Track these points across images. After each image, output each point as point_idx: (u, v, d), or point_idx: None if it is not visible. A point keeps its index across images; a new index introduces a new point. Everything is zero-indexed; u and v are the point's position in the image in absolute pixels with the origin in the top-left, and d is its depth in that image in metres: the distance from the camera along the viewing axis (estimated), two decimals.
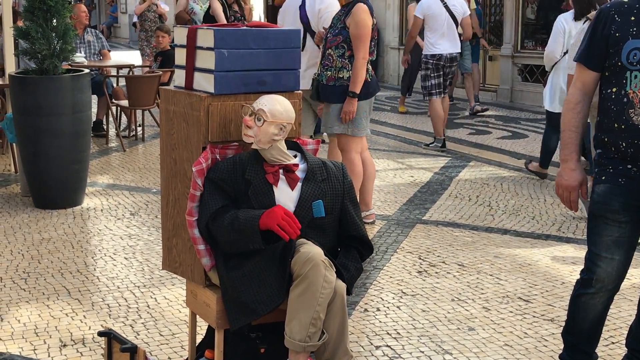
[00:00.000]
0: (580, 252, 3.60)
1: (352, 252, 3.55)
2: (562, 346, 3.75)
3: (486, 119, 11.67)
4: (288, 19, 6.91)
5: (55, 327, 4.50)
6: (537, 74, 13.27)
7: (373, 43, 6.19)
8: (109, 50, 11.25)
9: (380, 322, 4.61)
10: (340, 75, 6.08)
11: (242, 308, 3.33)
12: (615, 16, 3.29)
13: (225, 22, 9.88)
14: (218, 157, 3.45)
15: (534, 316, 4.71)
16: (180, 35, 3.67)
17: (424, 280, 5.29)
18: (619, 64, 3.25)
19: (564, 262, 5.63)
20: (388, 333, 4.45)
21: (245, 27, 3.58)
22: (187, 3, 11.62)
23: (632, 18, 3.26)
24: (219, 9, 10.00)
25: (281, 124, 3.38)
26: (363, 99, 6.12)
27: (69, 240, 6.08)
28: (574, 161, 3.44)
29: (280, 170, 3.42)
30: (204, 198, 3.39)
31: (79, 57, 9.57)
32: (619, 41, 3.26)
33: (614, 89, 3.29)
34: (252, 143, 3.38)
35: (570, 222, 6.58)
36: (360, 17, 5.96)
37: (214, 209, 3.35)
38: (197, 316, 3.75)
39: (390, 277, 5.34)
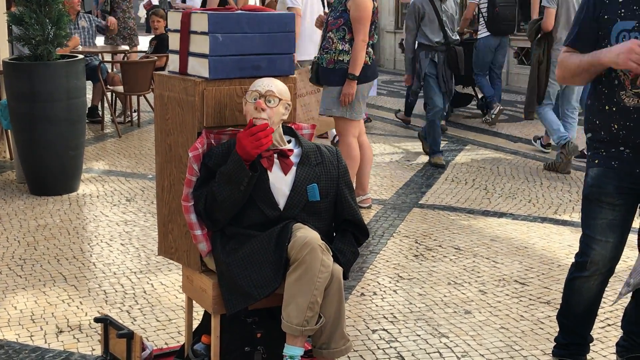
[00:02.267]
0: (577, 235, 3.60)
1: (348, 236, 3.55)
2: (557, 329, 3.77)
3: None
4: None
5: (52, 313, 4.50)
6: None
7: (374, 26, 6.19)
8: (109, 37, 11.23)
9: (376, 306, 4.62)
10: (340, 58, 6.08)
11: (238, 292, 3.33)
12: None
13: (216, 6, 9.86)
14: (213, 142, 3.44)
15: (530, 299, 4.73)
16: (174, 19, 3.65)
17: (420, 264, 5.30)
18: (609, 46, 3.24)
19: (560, 245, 5.65)
20: (385, 317, 4.47)
21: (239, 11, 3.56)
22: None
23: (620, 0, 3.25)
24: None
25: (287, 103, 3.40)
26: (362, 82, 6.13)
27: (65, 226, 6.08)
28: (601, 50, 3.24)
29: (275, 155, 3.41)
30: (197, 187, 3.38)
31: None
32: (608, 23, 3.26)
33: (605, 72, 3.29)
34: None
35: (567, 205, 6.59)
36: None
37: (205, 194, 3.34)
38: (194, 302, 3.75)
39: (387, 261, 5.35)
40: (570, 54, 3.39)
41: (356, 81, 6.04)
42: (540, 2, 8.31)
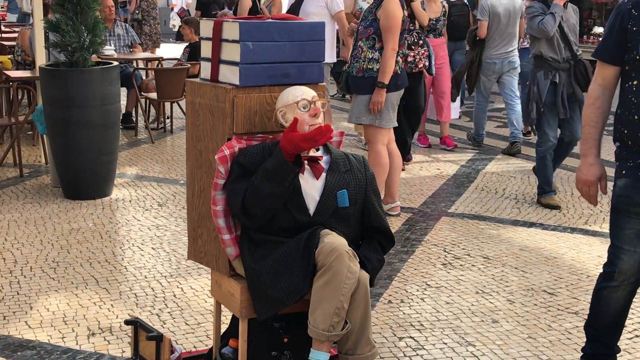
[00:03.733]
0: (606, 245, 3.57)
1: (374, 244, 3.57)
2: (585, 339, 3.75)
3: None
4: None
5: (84, 315, 4.55)
6: None
7: (404, 35, 6.21)
8: (140, 44, 11.32)
9: (404, 313, 4.63)
10: (370, 67, 6.10)
11: (268, 299, 3.36)
12: (632, 10, 3.29)
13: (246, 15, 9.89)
14: (245, 147, 3.48)
15: (559, 309, 4.70)
16: (206, 28, 3.69)
17: (448, 272, 5.29)
18: (637, 57, 3.24)
19: (590, 256, 5.61)
20: (411, 324, 4.47)
21: (270, 20, 3.60)
22: (354, 3, 10.02)
23: None
24: (246, 5, 10.03)
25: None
26: (392, 90, 6.14)
27: (98, 230, 6.14)
28: (593, 156, 3.43)
29: (305, 161, 3.44)
30: (232, 182, 3.40)
31: (109, 50, 9.64)
32: (636, 35, 3.26)
33: (635, 82, 3.28)
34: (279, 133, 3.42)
35: (597, 215, 6.54)
36: (390, 8, 6.00)
37: (244, 189, 3.36)
38: (222, 306, 3.78)
39: (415, 269, 5.35)
40: (592, 104, 3.44)
41: (385, 89, 6.06)
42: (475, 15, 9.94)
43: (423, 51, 7.68)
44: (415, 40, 7.55)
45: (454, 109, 9.88)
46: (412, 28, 7.40)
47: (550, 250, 5.76)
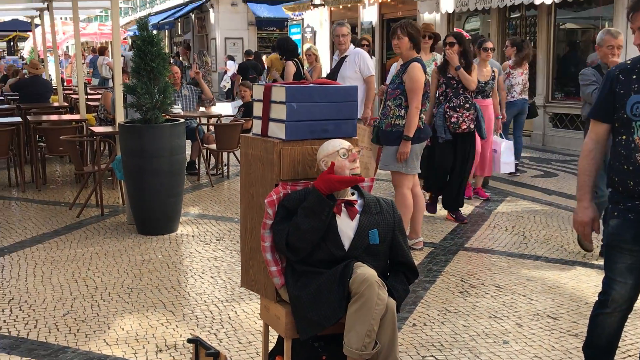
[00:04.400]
0: (602, 277, 3.53)
1: (400, 276, 3.56)
2: (584, 359, 3.68)
3: (522, 160, 11.53)
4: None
5: (153, 334, 4.57)
6: (566, 121, 13.19)
7: (426, 96, 6.23)
8: (210, 104, 11.46)
9: (426, 335, 4.58)
10: (397, 122, 6.13)
11: (309, 322, 3.36)
12: (620, 76, 3.29)
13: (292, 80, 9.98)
14: (289, 191, 3.50)
15: (561, 332, 4.63)
16: (258, 91, 3.74)
17: (465, 299, 5.24)
18: (625, 116, 3.23)
19: (588, 285, 5.52)
20: (433, 345, 4.42)
21: (311, 85, 3.64)
22: None
23: (634, 77, 3.25)
24: (291, 70, 10.14)
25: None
26: (415, 142, 6.15)
27: (165, 261, 6.18)
28: (587, 201, 3.41)
29: (342, 204, 3.46)
30: (277, 223, 3.42)
31: (177, 109, 9.78)
32: (623, 97, 3.25)
33: (623, 137, 3.26)
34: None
35: (594, 250, 6.44)
36: (414, 73, 6.03)
37: (287, 228, 3.38)
38: (270, 327, 3.78)
39: (436, 296, 5.30)
40: (587, 156, 3.42)
41: (410, 142, 6.07)
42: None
43: (468, 114, 7.22)
44: (462, 103, 7.18)
45: (506, 164, 8.81)
46: (462, 92, 7.18)
47: (554, 280, 5.67)
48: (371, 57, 9.82)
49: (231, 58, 25.32)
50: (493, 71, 8.42)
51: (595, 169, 3.41)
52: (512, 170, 9.26)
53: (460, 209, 7.62)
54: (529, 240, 6.88)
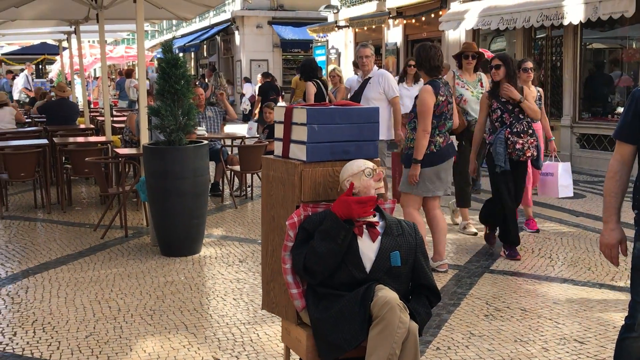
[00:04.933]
0: (629, 300, 3.47)
1: (422, 299, 3.53)
2: None
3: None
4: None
5: (174, 357, 4.56)
6: (594, 142, 13.07)
7: (442, 117, 6.17)
8: (223, 124, 11.52)
9: (450, 359, 4.52)
10: (411, 145, 6.14)
11: (330, 345, 3.34)
12: None
13: (314, 101, 10.00)
14: (310, 213, 3.50)
15: (588, 356, 4.55)
16: (279, 113, 3.76)
17: (490, 323, 5.17)
18: None
19: (616, 309, 5.43)
20: None
21: (333, 106, 3.64)
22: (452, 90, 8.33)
23: None
24: (311, 91, 10.16)
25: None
26: (426, 165, 6.14)
27: (188, 283, 6.19)
28: (613, 222, 3.36)
29: (364, 225, 3.44)
30: (296, 246, 3.42)
31: (201, 130, 9.84)
32: None
33: None
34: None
35: (623, 273, 6.34)
36: (422, 96, 6.09)
37: (305, 251, 3.37)
38: (291, 350, 3.76)
39: (460, 319, 5.24)
40: (612, 177, 3.36)
41: (419, 165, 6.06)
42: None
43: (532, 140, 6.75)
44: (525, 128, 6.70)
45: (564, 187, 8.03)
46: (522, 117, 6.71)
47: (581, 303, 5.59)
48: (416, 81, 9.81)
49: (248, 80, 25.51)
50: (539, 91, 7.88)
51: (622, 190, 3.37)
52: (571, 194, 8.32)
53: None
54: (556, 262, 6.79)
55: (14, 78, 20.75)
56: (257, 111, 18.00)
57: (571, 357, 4.54)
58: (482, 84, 7.88)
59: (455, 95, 7.60)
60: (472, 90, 7.81)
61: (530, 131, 6.75)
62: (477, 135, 7.01)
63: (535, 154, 6.80)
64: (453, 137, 7.20)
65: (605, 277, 6.27)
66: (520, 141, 6.65)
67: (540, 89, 8.14)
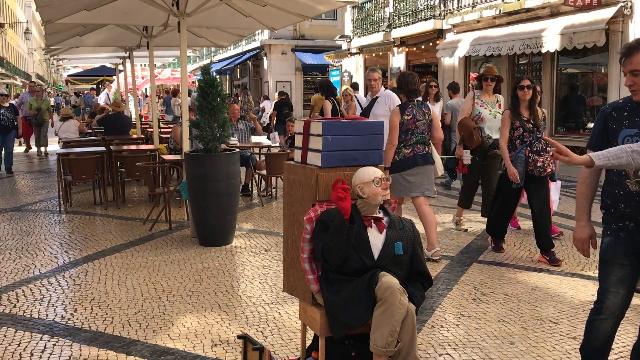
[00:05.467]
0: (598, 287, 3.43)
1: (417, 284, 3.50)
2: (581, 359, 3.57)
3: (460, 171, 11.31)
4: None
5: (209, 331, 4.58)
6: None
7: (409, 132, 6.36)
8: (253, 135, 11.53)
9: (443, 336, 4.50)
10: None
11: (341, 323, 3.32)
12: (612, 112, 3.22)
13: (330, 116, 10.02)
14: (325, 209, 3.48)
15: (561, 335, 4.50)
16: (299, 126, 3.75)
17: (477, 305, 5.14)
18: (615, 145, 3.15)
19: (585, 295, 5.37)
20: (449, 344, 4.34)
21: (344, 120, 3.63)
22: (471, 108, 7.46)
23: (625, 113, 3.18)
24: (328, 107, 10.16)
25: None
26: (394, 172, 6.34)
27: (222, 268, 6.20)
28: (585, 220, 3.33)
29: (372, 220, 3.43)
30: (315, 237, 3.41)
31: (233, 140, 9.86)
32: (615, 131, 3.18)
33: None
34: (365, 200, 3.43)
35: (591, 264, 6.28)
36: (390, 115, 6.52)
37: (322, 242, 3.36)
38: (307, 327, 3.75)
39: (452, 302, 5.21)
40: (583, 182, 3.35)
41: (387, 171, 6.11)
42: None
43: (550, 157, 5.90)
44: (544, 146, 6.31)
45: (554, 202, 7.60)
46: (540, 136, 6.35)
47: (555, 289, 5.54)
48: (437, 100, 9.75)
49: (267, 98, 25.59)
50: (543, 112, 6.95)
51: (591, 193, 3.34)
52: (555, 208, 7.96)
53: (552, 249, 6.47)
54: (534, 255, 6.73)
55: (174, 95, 21.15)
56: (274, 122, 18.74)
57: (546, 336, 4.49)
58: (500, 105, 7.52)
59: (474, 113, 7.42)
60: (490, 110, 7.47)
61: (548, 148, 6.29)
62: (504, 147, 6.39)
63: (554, 168, 6.44)
64: (467, 152, 7.60)
65: (576, 268, 6.21)
66: (541, 159, 6.26)
67: (544, 111, 7.54)
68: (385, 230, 3.44)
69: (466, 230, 7.84)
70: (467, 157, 7.64)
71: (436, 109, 9.53)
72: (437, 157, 6.60)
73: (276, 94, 21.19)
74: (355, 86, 14.08)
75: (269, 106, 23.95)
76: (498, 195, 6.71)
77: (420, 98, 6.67)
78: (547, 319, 4.82)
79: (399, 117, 6.34)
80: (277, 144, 11.76)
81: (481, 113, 7.46)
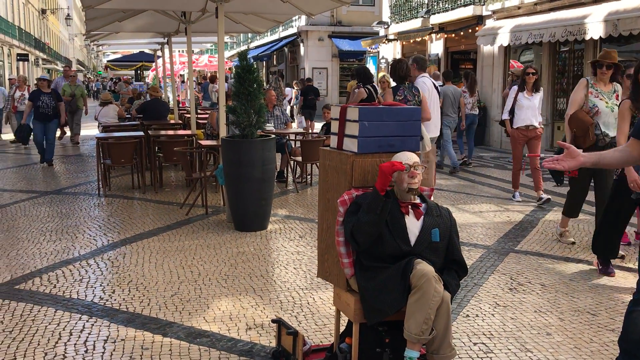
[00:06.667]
0: (637, 279, 3.37)
1: (453, 272, 3.47)
2: (618, 351, 3.51)
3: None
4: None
5: (244, 314, 4.62)
6: None
7: None
8: (292, 122, 11.57)
9: (478, 325, 4.47)
10: None
11: (375, 309, 3.32)
12: None
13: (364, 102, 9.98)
14: (360, 193, 3.47)
15: (599, 327, 4.43)
16: (335, 111, 3.74)
17: (513, 295, 5.08)
18: None
19: (625, 286, 5.28)
20: (483, 334, 4.31)
21: (381, 106, 3.61)
22: (584, 99, 6.20)
23: None
24: (362, 94, 10.10)
25: (423, 168, 3.44)
26: None
27: (257, 253, 6.24)
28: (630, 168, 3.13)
29: (409, 206, 3.42)
30: (347, 214, 3.39)
31: (269, 126, 9.90)
32: None
33: None
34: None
35: (631, 256, 6.16)
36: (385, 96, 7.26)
37: (353, 220, 3.36)
38: (341, 312, 3.76)
39: (487, 292, 5.17)
40: (616, 150, 3.17)
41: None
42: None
43: None
44: None
45: None
46: None
47: (594, 281, 5.44)
48: (537, 90, 8.77)
49: (289, 85, 25.70)
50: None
51: (617, 155, 3.16)
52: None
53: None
54: (573, 245, 6.62)
55: (212, 81, 20.61)
56: (300, 107, 19.41)
57: (584, 327, 4.43)
58: (617, 96, 6.30)
59: (588, 105, 6.20)
60: (607, 102, 6.23)
61: None
62: (621, 142, 5.15)
63: None
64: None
65: (616, 259, 6.08)
66: None
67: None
68: (422, 217, 3.42)
69: (573, 243, 6.69)
70: None
71: (535, 100, 8.54)
72: (426, 134, 7.45)
73: (294, 83, 21.84)
74: (448, 75, 13.89)
75: (290, 93, 24.09)
76: (611, 205, 5.52)
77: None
78: (585, 311, 4.75)
79: (391, 97, 7.26)
80: (302, 129, 11.79)
81: (596, 105, 6.20)
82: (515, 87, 8.73)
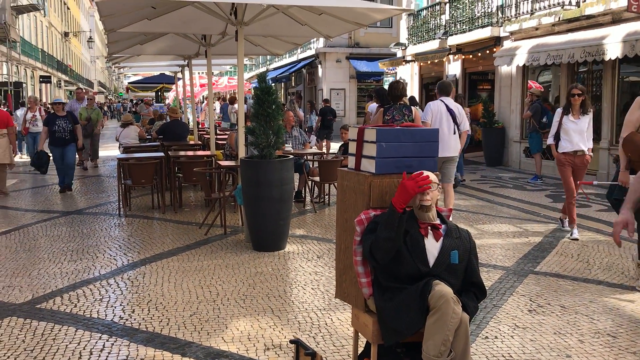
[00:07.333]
0: None
1: (471, 295, 3.46)
2: None
3: (587, 196, 11.04)
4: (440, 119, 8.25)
5: (262, 335, 4.62)
6: None
7: None
8: (309, 143, 11.62)
9: (497, 347, 4.42)
10: None
11: (393, 330, 3.31)
12: None
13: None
14: (378, 214, 3.48)
15: (620, 349, 4.36)
16: (353, 132, 3.77)
17: (533, 317, 5.03)
18: None
19: None
20: (503, 356, 4.26)
21: (398, 127, 3.63)
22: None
23: None
24: (380, 117, 10.12)
25: (440, 188, 3.44)
26: None
27: (275, 274, 6.24)
28: (626, 208, 3.20)
29: (429, 227, 3.41)
30: (366, 232, 3.40)
31: (288, 147, 9.94)
32: None
33: None
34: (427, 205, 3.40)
35: None
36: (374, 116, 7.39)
37: (372, 237, 3.36)
38: (359, 333, 3.75)
39: (507, 313, 5.12)
40: (637, 179, 3.23)
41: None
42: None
43: None
44: None
45: None
46: None
47: (614, 302, 5.37)
48: (585, 112, 8.17)
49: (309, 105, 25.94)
50: None
51: None
52: None
53: None
54: (592, 266, 6.55)
55: (231, 103, 20.60)
56: (317, 127, 19.73)
57: (604, 349, 4.37)
58: None
59: None
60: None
61: None
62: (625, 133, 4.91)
63: None
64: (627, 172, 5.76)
65: (637, 281, 6.00)
66: None
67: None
68: (441, 238, 3.42)
69: None
70: None
71: (583, 124, 7.61)
72: None
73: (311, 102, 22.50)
74: (412, 101, 14.10)
75: (301, 115, 24.24)
76: None
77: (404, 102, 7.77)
78: (605, 333, 4.68)
79: (381, 117, 7.54)
80: (315, 145, 11.85)
81: None
82: (560, 110, 7.78)
